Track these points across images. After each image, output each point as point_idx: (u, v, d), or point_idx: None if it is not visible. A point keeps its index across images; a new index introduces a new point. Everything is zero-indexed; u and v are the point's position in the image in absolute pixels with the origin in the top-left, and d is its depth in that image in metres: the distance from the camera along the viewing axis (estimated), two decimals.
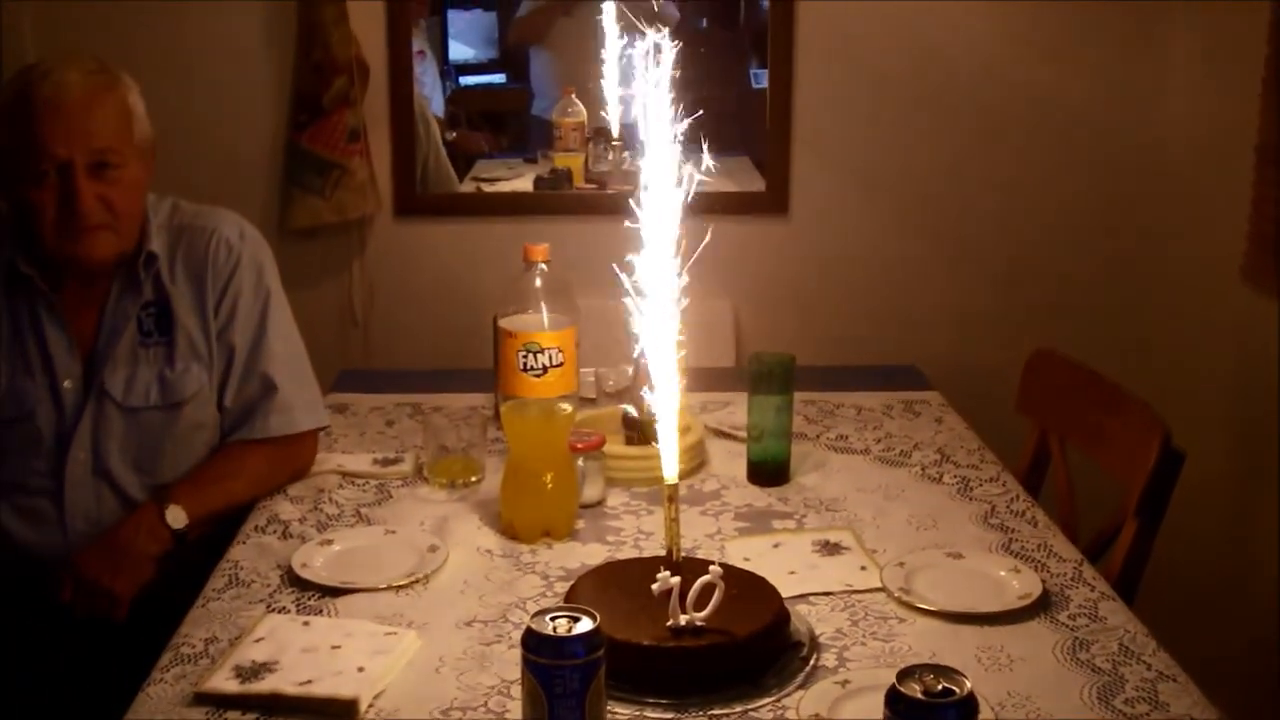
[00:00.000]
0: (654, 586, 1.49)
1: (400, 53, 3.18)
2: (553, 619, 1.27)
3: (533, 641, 1.26)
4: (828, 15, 3.15)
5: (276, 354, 2.15)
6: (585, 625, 1.27)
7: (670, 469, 1.53)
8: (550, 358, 2.06)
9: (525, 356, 2.06)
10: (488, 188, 3.49)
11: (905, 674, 1.19)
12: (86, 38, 3.13)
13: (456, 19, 3.55)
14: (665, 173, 1.51)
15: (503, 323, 2.11)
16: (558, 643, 1.25)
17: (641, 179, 1.52)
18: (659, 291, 1.50)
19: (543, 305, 2.07)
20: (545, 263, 2.08)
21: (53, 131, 1.95)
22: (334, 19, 3.08)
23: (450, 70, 3.64)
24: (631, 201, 1.52)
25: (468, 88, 3.72)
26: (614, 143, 3.38)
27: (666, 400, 1.51)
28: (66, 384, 2.08)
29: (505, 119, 3.90)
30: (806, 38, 3.17)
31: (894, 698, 1.18)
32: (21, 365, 2.08)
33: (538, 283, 2.08)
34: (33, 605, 2.05)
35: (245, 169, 3.18)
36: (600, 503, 2.00)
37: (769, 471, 2.10)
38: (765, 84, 3.29)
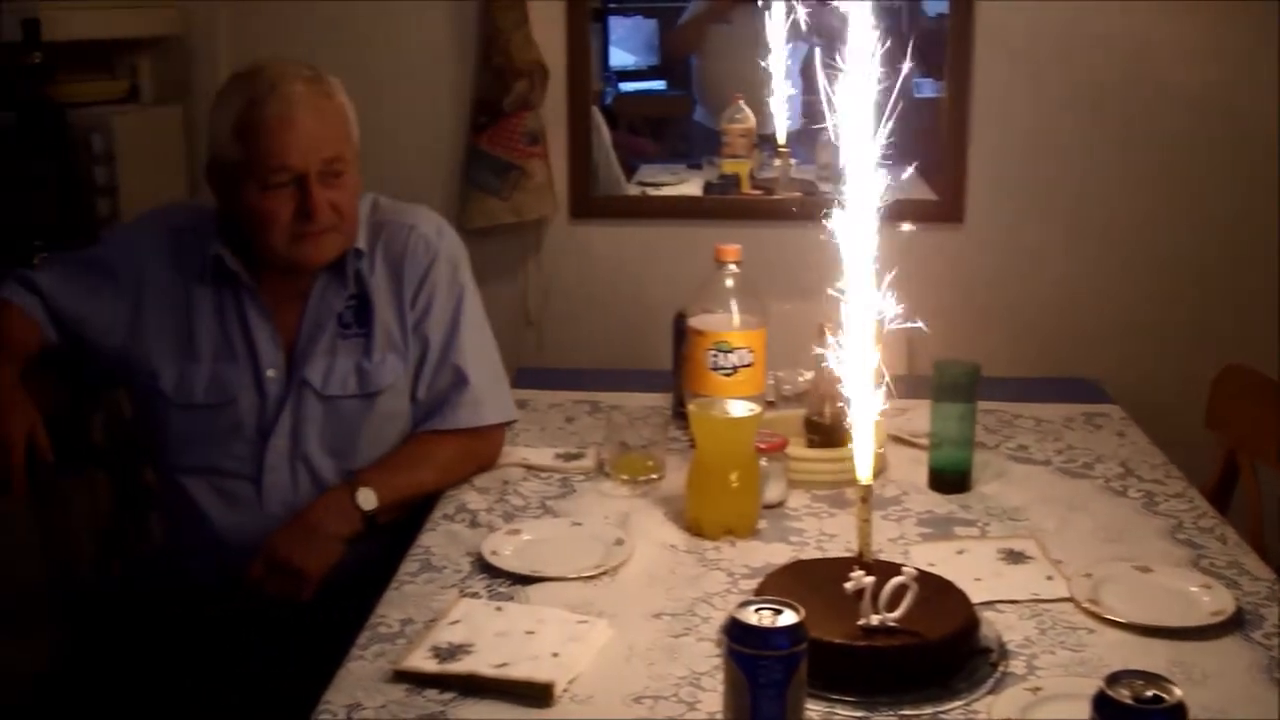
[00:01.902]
0: (847, 585, 1.51)
1: (579, 57, 3.25)
2: (757, 610, 1.30)
3: (737, 631, 1.29)
4: (1005, 22, 3.14)
5: (469, 348, 2.21)
6: (789, 618, 1.29)
7: (864, 470, 1.55)
8: (740, 357, 2.09)
9: (715, 355, 2.09)
10: (652, 192, 3.54)
11: (1113, 679, 1.19)
12: (276, 40, 3.26)
13: (617, 25, 3.60)
14: (863, 182, 1.51)
15: (692, 321, 2.15)
16: (762, 633, 1.28)
17: (833, 188, 1.53)
18: (859, 296, 1.51)
19: (733, 305, 2.10)
20: (736, 263, 2.11)
21: (286, 145, 2.04)
22: (515, 24, 3.16)
23: (611, 76, 3.70)
24: (825, 209, 1.53)
25: (628, 94, 3.78)
26: (781, 149, 3.41)
27: (863, 403, 1.53)
28: (270, 373, 2.16)
29: (664, 125, 3.96)
30: (983, 44, 3.16)
31: (1102, 702, 1.18)
32: (226, 354, 2.17)
33: (728, 283, 2.11)
34: (226, 584, 2.15)
35: (425, 169, 3.27)
36: (781, 504, 2.03)
37: (950, 479, 2.11)
38: (927, 92, 3.30)
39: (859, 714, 1.46)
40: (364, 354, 2.17)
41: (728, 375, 2.09)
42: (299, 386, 2.16)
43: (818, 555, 1.87)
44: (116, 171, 3.08)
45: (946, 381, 2.10)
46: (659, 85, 3.93)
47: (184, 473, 2.20)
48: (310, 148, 2.06)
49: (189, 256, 2.20)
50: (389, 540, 2.07)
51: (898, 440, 2.29)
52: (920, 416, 2.20)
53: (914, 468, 2.18)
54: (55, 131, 3.01)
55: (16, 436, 2.02)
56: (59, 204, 3.00)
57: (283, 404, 2.16)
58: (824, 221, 1.52)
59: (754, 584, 1.74)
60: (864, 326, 1.51)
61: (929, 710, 1.47)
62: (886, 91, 1.49)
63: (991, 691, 1.50)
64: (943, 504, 2.07)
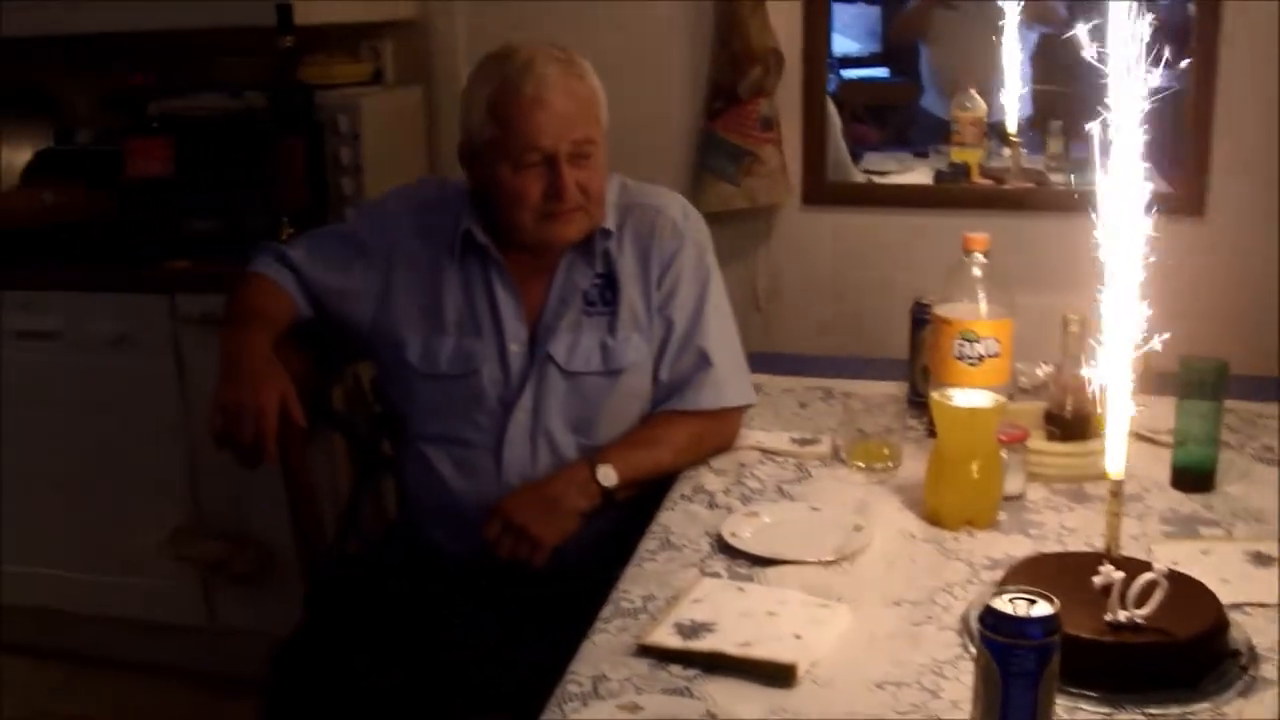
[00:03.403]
0: (1096, 580, 1.51)
1: (815, 43, 3.27)
2: (1011, 599, 1.31)
3: (991, 619, 1.30)
4: (1252, 8, 3.05)
5: (712, 331, 2.25)
6: (1044, 608, 1.30)
7: (1116, 464, 1.54)
8: (986, 347, 2.09)
9: (961, 345, 2.09)
10: (878, 180, 3.54)
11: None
12: (513, 23, 3.33)
13: (841, 12, 3.59)
14: (1126, 172, 1.50)
15: (939, 309, 2.15)
16: (1017, 622, 1.29)
17: (1070, 178, 1.52)
18: (1120, 286, 1.50)
19: (980, 295, 2.10)
20: (984, 253, 2.11)
21: (540, 126, 2.10)
22: (751, 10, 3.19)
23: (834, 63, 3.70)
24: (1088, 199, 1.52)
25: (851, 81, 3.77)
26: (1011, 138, 3.37)
27: (1118, 397, 1.52)
28: (514, 347, 2.23)
29: (887, 112, 3.94)
30: (1230, 34, 3.08)
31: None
32: (471, 327, 2.25)
33: (976, 272, 2.11)
34: (464, 552, 2.23)
35: (660, 153, 3.33)
36: (1020, 496, 2.02)
37: (1194, 478, 2.07)
38: (1162, 82, 3.21)
39: (1104, 710, 1.45)
40: (608, 332, 2.23)
41: (973, 365, 2.09)
42: (542, 361, 2.22)
43: (1058, 549, 1.86)
44: (361, 151, 3.22)
45: (1193, 378, 2.06)
46: (881, 72, 3.92)
47: (427, 441, 2.28)
48: (561, 129, 2.11)
49: (438, 231, 2.28)
50: (624, 517, 2.13)
51: (1139, 437, 2.26)
52: (1161, 413, 2.16)
53: (1155, 465, 2.14)
54: (305, 112, 3.16)
55: (270, 405, 2.12)
56: (307, 182, 3.14)
57: (526, 378, 2.22)
58: (1072, 213, 1.51)
59: (994, 575, 1.75)
60: (1122, 320, 1.49)
61: (1175, 710, 1.45)
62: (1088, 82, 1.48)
63: (1241, 695, 1.48)
64: (1186, 503, 2.04)
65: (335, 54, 3.43)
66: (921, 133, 3.74)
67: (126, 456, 3.31)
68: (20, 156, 3.79)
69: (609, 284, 2.24)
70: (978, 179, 3.39)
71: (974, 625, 1.55)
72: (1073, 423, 2.10)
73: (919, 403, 2.30)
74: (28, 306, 3.29)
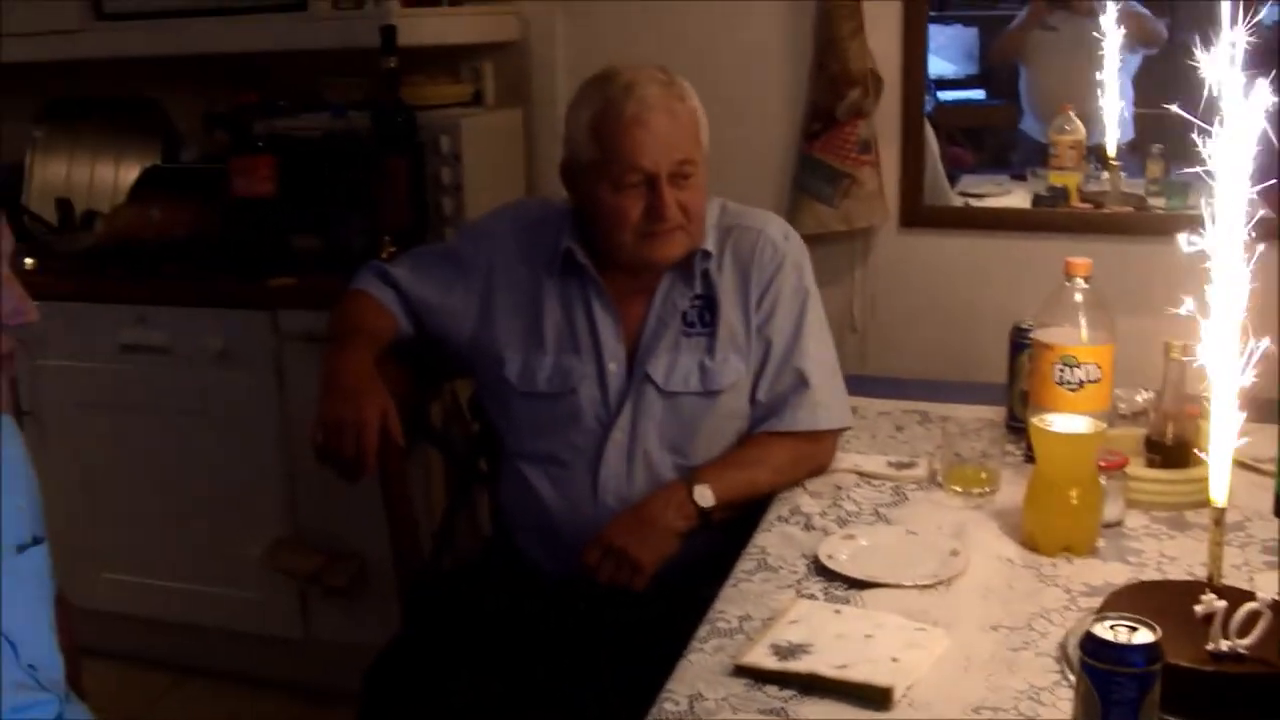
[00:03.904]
0: (1198, 608, 1.50)
1: (914, 66, 3.26)
2: (1113, 626, 1.31)
3: (1092, 646, 1.30)
4: None
5: (810, 352, 2.27)
6: (1145, 636, 1.30)
7: (1220, 492, 1.53)
8: (1087, 373, 2.08)
9: (1061, 370, 2.08)
10: (975, 203, 3.53)
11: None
12: (612, 46, 3.38)
13: (937, 34, 3.59)
14: (1232, 199, 1.50)
15: (1039, 334, 2.14)
16: (1118, 650, 1.29)
17: (1171, 203, 1.52)
18: (1222, 315, 1.49)
19: (1081, 320, 2.09)
20: (1086, 278, 2.10)
21: (641, 146, 2.14)
22: (851, 31, 3.20)
23: (930, 85, 3.69)
24: (1189, 223, 1.51)
25: (947, 103, 3.76)
26: (1110, 162, 3.34)
27: (1223, 424, 1.51)
28: (612, 366, 2.26)
29: (984, 135, 3.92)
30: None
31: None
32: (570, 346, 2.28)
33: (1077, 297, 2.10)
34: (558, 569, 2.25)
35: (757, 174, 3.35)
36: (1119, 523, 2.01)
37: None
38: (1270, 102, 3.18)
39: None
40: (707, 353, 2.25)
41: (1073, 390, 2.08)
42: (641, 381, 2.24)
43: (1157, 577, 1.85)
44: (461, 171, 3.26)
45: None
46: (978, 94, 3.91)
47: (524, 459, 2.31)
48: (662, 150, 2.14)
49: (538, 250, 2.32)
50: (720, 538, 2.14)
51: (1241, 465, 2.23)
52: (1264, 441, 2.13)
53: (1257, 494, 2.10)
54: (406, 132, 3.21)
55: (371, 420, 2.16)
56: (408, 201, 3.19)
57: (624, 397, 2.25)
58: (1172, 237, 1.50)
59: (1092, 602, 1.74)
60: (1228, 346, 1.49)
61: None
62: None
63: None
64: None
65: (437, 75, 3.48)
66: (1021, 155, 3.72)
67: (228, 469, 3.36)
68: (130, 173, 3.89)
69: (708, 305, 2.26)
70: (1076, 203, 3.36)
71: (1072, 652, 1.55)
72: (1173, 450, 2.09)
73: (1017, 427, 2.30)
74: (137, 321, 3.36)
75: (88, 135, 4.08)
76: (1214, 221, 1.47)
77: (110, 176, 4.02)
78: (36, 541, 1.69)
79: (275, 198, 3.33)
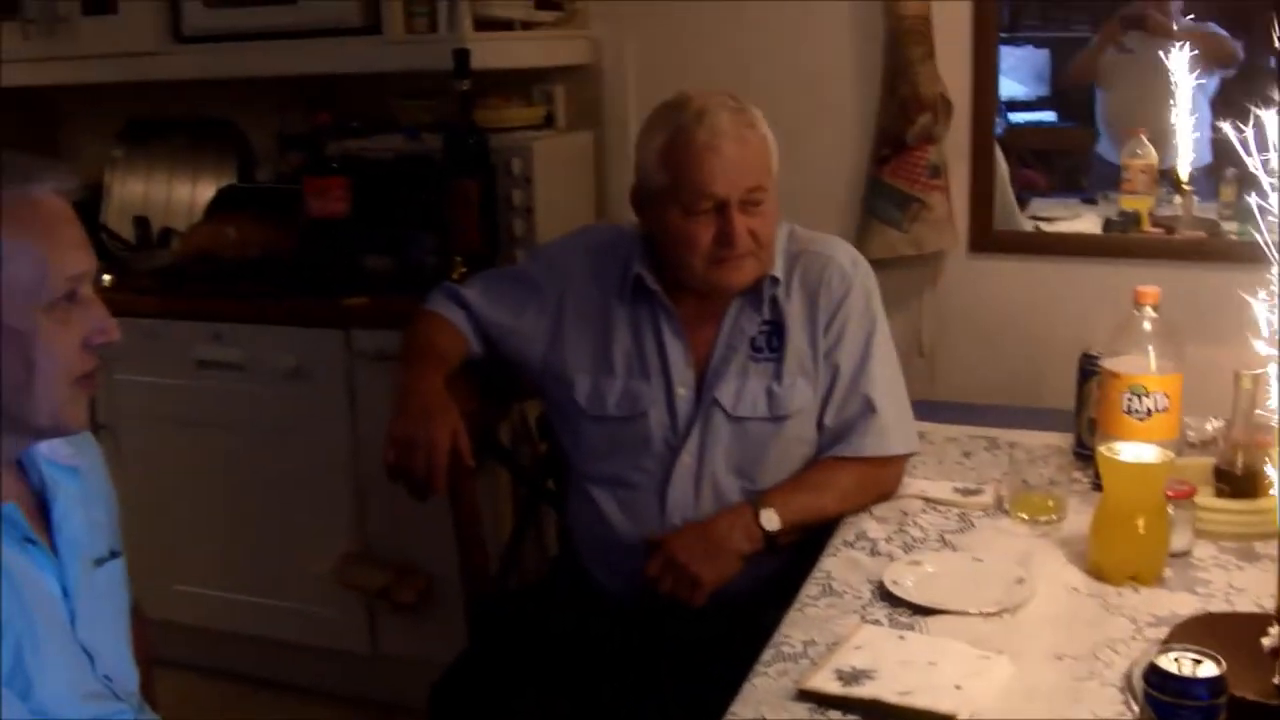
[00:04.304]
0: (1265, 640, 1.51)
1: (985, 91, 3.27)
2: (1177, 658, 1.32)
3: (1157, 678, 1.31)
4: None
5: (878, 378, 2.28)
6: (1210, 669, 1.31)
7: None
8: (1155, 402, 2.08)
9: (1130, 399, 2.09)
10: (1046, 227, 3.52)
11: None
12: (683, 69, 3.41)
13: (1008, 55, 3.59)
14: None
15: (1107, 363, 2.15)
16: (1183, 682, 1.30)
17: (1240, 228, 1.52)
18: None
19: (1150, 349, 2.10)
20: (1155, 306, 2.11)
21: (713, 174, 2.16)
22: (920, 57, 3.21)
23: (1001, 107, 3.68)
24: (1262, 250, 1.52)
25: (1018, 125, 3.76)
26: (1183, 186, 3.33)
27: None
28: (681, 391, 2.28)
29: (1056, 157, 3.91)
30: None
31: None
32: (639, 370, 2.31)
33: (1146, 326, 2.11)
34: (625, 590, 2.28)
35: (828, 200, 3.37)
36: (1187, 553, 2.00)
37: None
38: None
39: None
40: (774, 378, 2.26)
41: (1141, 420, 2.08)
42: (709, 406, 2.27)
43: (1225, 608, 1.84)
44: (532, 193, 3.31)
45: None
46: (1049, 116, 3.90)
47: (592, 481, 2.34)
48: (733, 177, 2.16)
49: (609, 275, 2.35)
50: (785, 561, 2.16)
51: None
52: None
53: None
54: (478, 155, 3.25)
55: (443, 441, 2.21)
56: (480, 223, 3.23)
57: (692, 422, 2.27)
58: (1245, 264, 1.51)
59: (1158, 632, 1.74)
60: None
61: None
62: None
63: None
64: None
65: (509, 98, 3.52)
66: (1095, 179, 3.70)
67: (299, 485, 3.42)
68: (207, 192, 3.97)
69: (776, 330, 2.28)
70: (1148, 228, 3.35)
71: (1137, 683, 1.55)
72: (1243, 480, 2.08)
73: (1085, 455, 2.30)
74: (213, 338, 3.43)
75: (165, 155, 4.18)
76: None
77: (187, 195, 4.11)
78: (114, 555, 1.74)
79: (348, 218, 3.38)
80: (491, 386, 2.52)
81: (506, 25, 3.42)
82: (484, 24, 3.32)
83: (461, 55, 3.17)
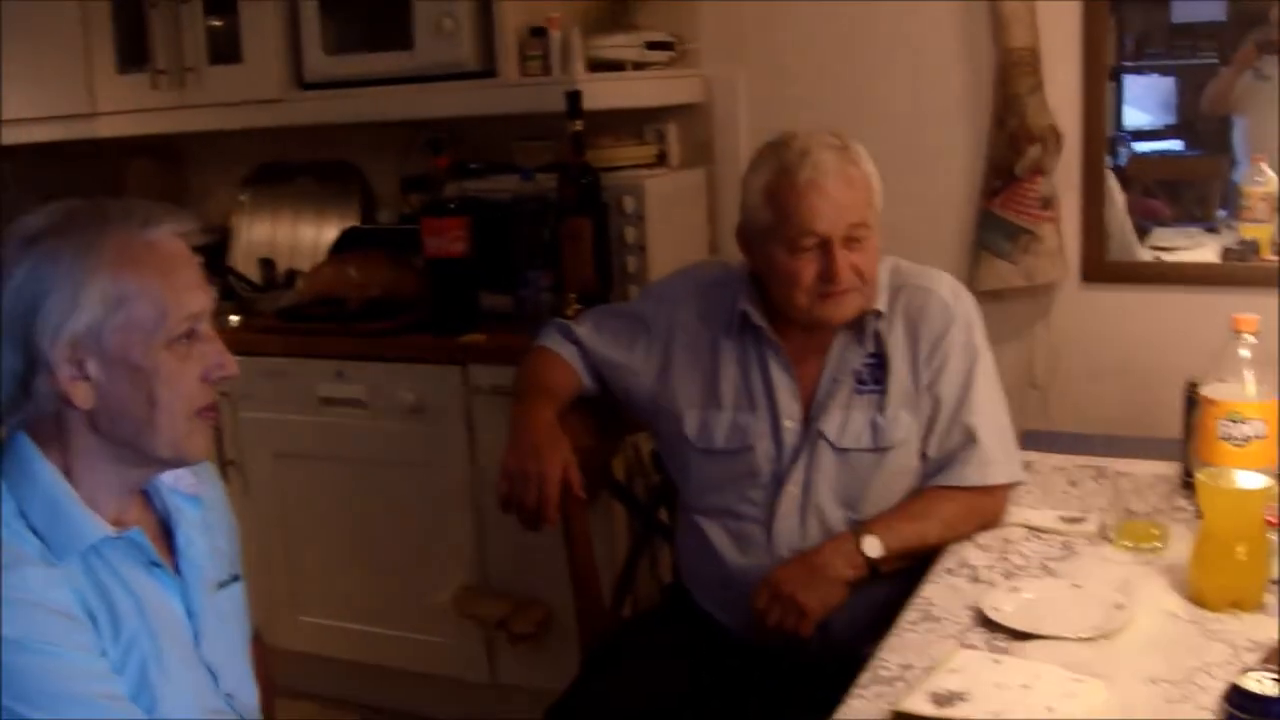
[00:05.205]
0: None
1: (1094, 121, 3.31)
2: (1260, 679, 1.37)
3: (1238, 698, 1.36)
4: None
5: (981, 409, 2.32)
6: None
7: None
8: (1253, 429, 2.12)
9: (1226, 425, 2.13)
10: (1165, 257, 3.53)
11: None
12: (794, 106, 3.49)
13: (1132, 85, 3.61)
14: None
15: (1205, 390, 2.19)
16: (1264, 701, 1.34)
17: None
18: None
19: (1248, 376, 2.13)
20: (1253, 333, 2.14)
21: (816, 211, 2.23)
22: (1030, 89, 3.26)
23: (1125, 137, 3.70)
24: None
25: (1143, 154, 3.77)
26: None
27: None
28: (787, 424, 2.35)
29: (1181, 187, 3.90)
30: None
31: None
32: (747, 404, 2.38)
33: (1244, 353, 2.14)
34: (734, 621, 2.36)
35: (937, 231, 3.42)
36: None
37: None
38: None
39: None
40: (878, 410, 2.32)
41: (1238, 446, 2.12)
42: (815, 438, 2.33)
43: None
44: (645, 231, 3.40)
45: None
46: (1176, 145, 3.90)
47: (701, 513, 2.42)
48: (836, 214, 2.24)
49: (716, 311, 2.43)
50: (892, 592, 2.21)
51: None
52: None
53: None
54: (592, 194, 3.35)
55: (554, 473, 2.31)
56: (593, 260, 3.33)
57: (798, 454, 2.34)
58: None
59: (1257, 658, 1.77)
60: None
61: None
62: None
63: None
64: None
65: (621, 137, 3.62)
66: (1216, 208, 3.70)
67: (419, 518, 3.52)
68: (330, 234, 4.13)
69: (880, 363, 2.34)
70: (1268, 255, 3.35)
71: None
72: None
73: (1191, 484, 2.32)
74: (336, 376, 3.55)
75: (290, 198, 4.35)
76: None
77: (311, 237, 4.28)
78: (235, 579, 1.86)
79: (466, 257, 3.48)
80: (605, 421, 2.61)
81: (618, 66, 3.52)
82: (596, 65, 3.44)
83: (573, 96, 3.26)
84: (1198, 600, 1.98)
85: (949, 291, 2.39)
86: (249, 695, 1.84)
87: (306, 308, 3.77)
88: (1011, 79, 3.28)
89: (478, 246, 3.49)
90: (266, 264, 4.18)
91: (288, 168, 4.35)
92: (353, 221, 4.16)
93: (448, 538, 3.50)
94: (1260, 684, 1.37)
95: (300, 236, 4.31)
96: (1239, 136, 3.65)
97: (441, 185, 3.58)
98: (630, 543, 2.90)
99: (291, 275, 4.10)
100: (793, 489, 2.34)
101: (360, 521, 3.61)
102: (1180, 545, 2.13)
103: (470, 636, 3.50)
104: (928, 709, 1.68)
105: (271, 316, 3.82)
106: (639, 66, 3.57)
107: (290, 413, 3.63)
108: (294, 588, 3.69)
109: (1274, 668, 1.40)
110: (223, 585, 1.82)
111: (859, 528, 2.28)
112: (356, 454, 3.58)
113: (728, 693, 2.32)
